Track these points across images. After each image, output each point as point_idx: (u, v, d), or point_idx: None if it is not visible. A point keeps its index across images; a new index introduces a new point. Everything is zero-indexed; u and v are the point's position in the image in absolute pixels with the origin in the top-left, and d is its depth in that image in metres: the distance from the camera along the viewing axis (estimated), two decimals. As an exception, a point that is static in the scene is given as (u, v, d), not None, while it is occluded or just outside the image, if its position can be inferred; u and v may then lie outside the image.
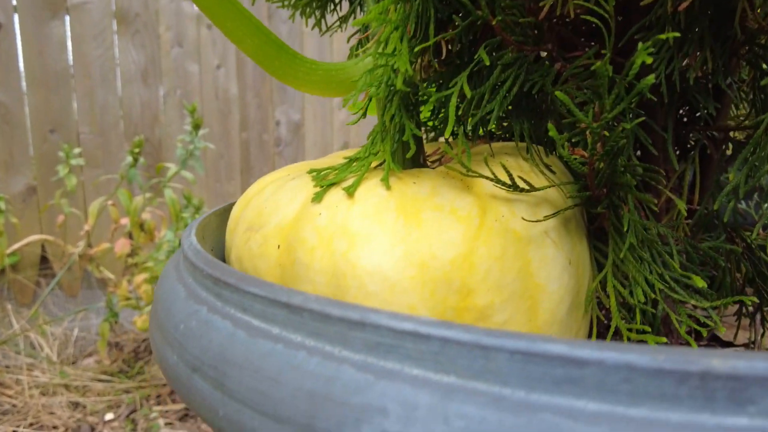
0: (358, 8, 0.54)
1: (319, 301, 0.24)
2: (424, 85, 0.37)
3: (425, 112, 0.44)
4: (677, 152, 0.45)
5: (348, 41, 0.53)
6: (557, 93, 0.27)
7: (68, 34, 1.86)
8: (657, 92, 0.40)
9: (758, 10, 0.35)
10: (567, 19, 0.40)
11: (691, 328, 0.49)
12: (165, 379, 1.72)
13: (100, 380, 1.70)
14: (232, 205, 0.52)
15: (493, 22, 0.31)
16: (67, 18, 1.87)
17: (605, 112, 0.28)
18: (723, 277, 0.39)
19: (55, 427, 1.46)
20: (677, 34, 0.28)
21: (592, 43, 0.42)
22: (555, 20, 0.38)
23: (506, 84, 0.35)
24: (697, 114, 0.43)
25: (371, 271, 0.32)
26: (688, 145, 0.46)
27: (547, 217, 0.35)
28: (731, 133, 0.44)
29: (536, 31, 0.37)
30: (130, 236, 1.73)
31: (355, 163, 0.38)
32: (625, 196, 0.34)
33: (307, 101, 2.41)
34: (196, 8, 2.08)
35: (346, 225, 0.34)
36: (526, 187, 0.34)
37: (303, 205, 0.37)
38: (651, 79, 0.27)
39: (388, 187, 0.35)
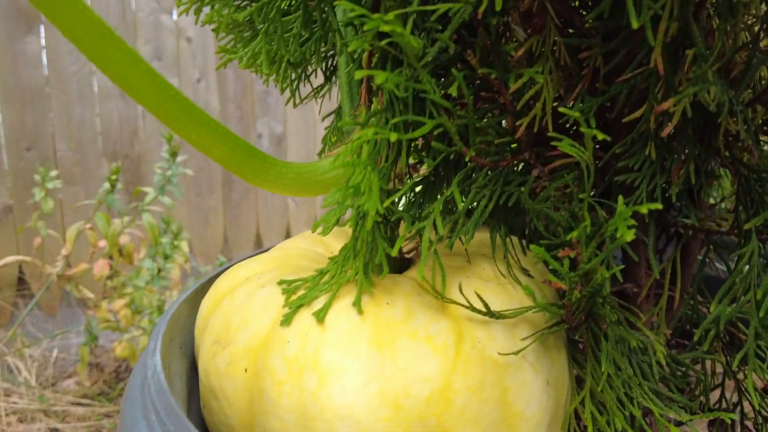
0: (333, 79, 0.52)
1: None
2: (398, 203, 0.35)
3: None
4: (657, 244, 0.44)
5: (322, 120, 0.52)
6: (532, 247, 0.26)
7: (43, 48, 1.82)
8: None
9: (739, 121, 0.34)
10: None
11: None
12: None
13: (80, 404, 1.67)
14: (203, 288, 0.50)
15: (467, 157, 0.30)
16: (42, 31, 1.82)
17: (582, 263, 0.27)
18: (704, 387, 0.39)
19: (33, 457, 1.44)
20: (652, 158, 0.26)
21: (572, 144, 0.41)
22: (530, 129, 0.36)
23: (481, 203, 0.33)
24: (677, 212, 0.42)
25: (342, 414, 0.31)
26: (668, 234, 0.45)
27: (524, 340, 0.34)
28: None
29: (513, 145, 0.35)
30: (110, 257, 1.71)
31: (326, 278, 0.36)
32: (602, 324, 0.33)
33: (290, 114, 2.38)
34: (175, 20, 2.04)
35: (316, 357, 0.32)
36: (503, 314, 0.33)
37: (272, 324, 0.35)
38: (630, 236, 0.26)
39: (360, 311, 0.34)
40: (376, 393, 0.31)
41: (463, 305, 0.33)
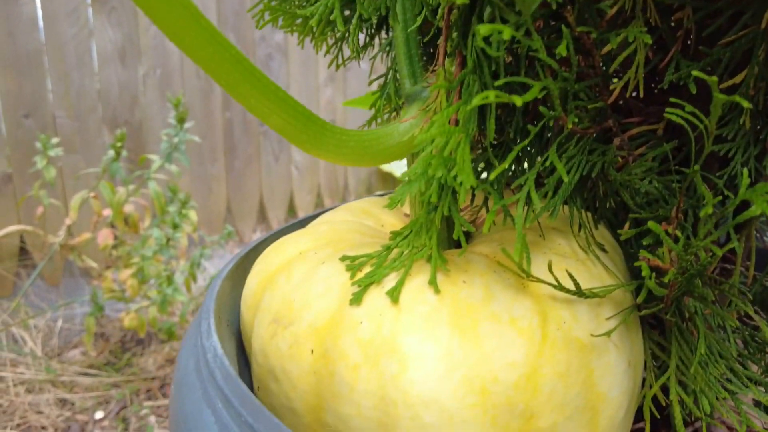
0: (382, 33, 0.49)
1: None
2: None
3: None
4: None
5: (369, 84, 0.49)
6: (625, 233, 0.24)
7: (39, 12, 1.75)
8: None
9: None
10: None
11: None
12: (154, 373, 1.69)
13: (87, 374, 1.66)
14: (243, 262, 0.48)
15: (569, 125, 0.27)
16: (37, -7, 1.75)
17: (696, 240, 0.25)
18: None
19: (43, 428, 1.43)
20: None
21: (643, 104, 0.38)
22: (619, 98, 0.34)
23: (570, 174, 0.31)
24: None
25: (427, 400, 0.29)
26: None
27: (609, 320, 0.32)
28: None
29: (599, 110, 0.33)
30: (113, 226, 1.67)
31: (394, 253, 0.34)
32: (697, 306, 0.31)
33: (292, 78, 2.33)
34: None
35: (394, 341, 0.30)
36: (593, 292, 0.31)
37: (339, 304, 0.33)
38: (756, 212, 0.24)
39: (437, 291, 0.31)
40: (462, 379, 0.29)
41: (550, 284, 0.31)
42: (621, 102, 0.39)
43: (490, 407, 0.29)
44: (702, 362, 0.32)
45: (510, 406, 0.29)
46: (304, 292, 0.35)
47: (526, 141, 0.26)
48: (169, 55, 2.00)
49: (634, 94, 0.40)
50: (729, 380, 0.35)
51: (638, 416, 0.48)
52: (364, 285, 0.33)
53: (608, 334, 0.31)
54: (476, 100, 0.22)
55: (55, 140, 1.49)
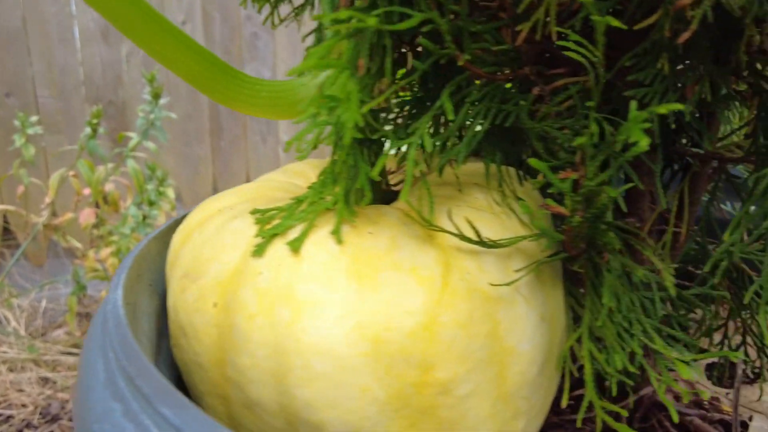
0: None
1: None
2: (385, 117, 0.32)
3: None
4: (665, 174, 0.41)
5: (303, 40, 0.47)
6: (531, 161, 0.23)
7: (19, -12, 1.73)
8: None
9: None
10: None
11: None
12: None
13: (70, 353, 1.66)
14: (174, 225, 0.47)
15: (461, 62, 0.26)
16: (18, -30, 1.73)
17: (587, 180, 0.24)
18: (710, 325, 0.36)
19: (24, 405, 1.43)
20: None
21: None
22: (532, 42, 0.33)
23: (475, 122, 0.30)
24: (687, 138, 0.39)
25: (318, 348, 0.28)
26: (676, 167, 0.42)
27: (518, 272, 0.31)
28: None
29: (511, 55, 0.32)
30: (96, 205, 1.67)
31: (303, 206, 0.33)
32: (604, 254, 0.30)
33: (279, 59, 2.31)
34: (158, -40, 1.95)
35: (290, 290, 0.29)
36: (495, 243, 0.30)
37: (243, 256, 0.32)
38: (643, 146, 0.23)
39: (340, 241, 0.31)
40: (354, 326, 0.28)
41: (452, 233, 0.30)
42: (548, 54, 0.38)
43: (384, 356, 0.28)
44: (613, 317, 0.31)
45: (405, 355, 0.29)
46: (212, 246, 0.34)
47: (414, 76, 0.25)
48: (154, 34, 1.98)
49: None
50: (654, 338, 0.35)
51: (580, 383, 0.48)
52: (268, 236, 0.32)
53: (510, 284, 0.30)
54: (345, 28, 0.21)
55: (34, 118, 1.48)
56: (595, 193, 0.25)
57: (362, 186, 0.31)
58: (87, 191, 1.56)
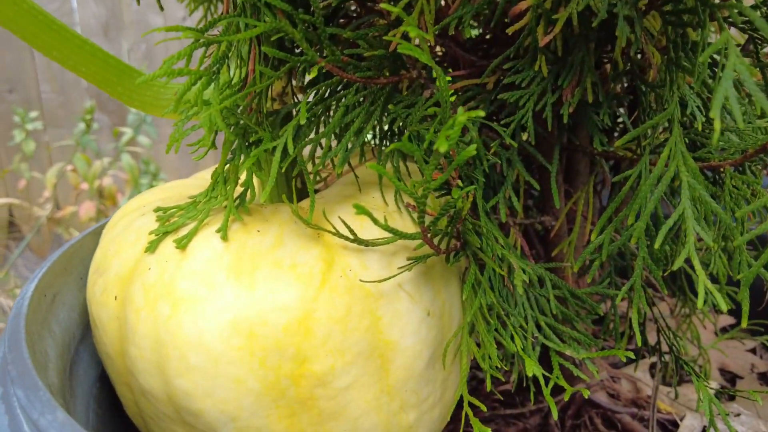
0: None
1: (61, 428, 0.21)
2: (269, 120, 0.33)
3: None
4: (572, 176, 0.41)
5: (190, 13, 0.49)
6: (369, 165, 0.24)
7: (21, -14, 1.77)
8: (543, 122, 0.37)
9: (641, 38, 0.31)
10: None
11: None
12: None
13: (71, 343, 1.71)
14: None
15: (321, 63, 0.27)
16: (20, -32, 1.76)
17: (425, 181, 0.25)
18: (607, 322, 0.37)
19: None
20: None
21: (476, 57, 0.38)
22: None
23: (354, 126, 0.31)
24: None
25: (193, 341, 0.29)
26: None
27: (400, 269, 0.32)
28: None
29: (393, 61, 0.33)
30: (99, 198, 1.70)
31: (199, 205, 0.35)
32: (476, 253, 0.31)
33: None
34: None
35: (171, 285, 0.31)
36: (371, 242, 0.31)
37: (140, 252, 0.34)
38: (471, 151, 0.24)
39: (225, 238, 0.32)
40: (229, 321, 0.30)
41: (330, 231, 0.31)
42: (446, 55, 0.39)
43: (258, 349, 0.30)
44: (483, 313, 0.32)
45: (279, 349, 0.30)
46: (118, 242, 0.36)
47: (267, 82, 0.26)
48: (153, 27, 2.00)
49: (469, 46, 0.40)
50: (548, 336, 0.35)
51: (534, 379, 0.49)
52: (161, 233, 0.33)
53: (388, 279, 0.31)
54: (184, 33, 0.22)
55: (33, 114, 1.51)
56: (440, 189, 0.26)
57: (247, 185, 0.32)
58: (84, 186, 1.60)
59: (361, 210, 0.24)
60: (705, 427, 0.50)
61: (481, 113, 0.21)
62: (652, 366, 0.61)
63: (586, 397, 0.43)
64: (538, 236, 0.46)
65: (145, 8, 1.97)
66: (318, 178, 0.43)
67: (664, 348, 0.53)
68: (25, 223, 1.90)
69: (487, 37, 0.38)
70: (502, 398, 0.53)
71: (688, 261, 0.62)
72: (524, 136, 0.36)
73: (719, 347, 0.61)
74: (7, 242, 1.92)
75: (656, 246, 0.24)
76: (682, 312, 0.54)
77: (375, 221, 0.27)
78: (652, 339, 0.58)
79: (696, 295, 0.56)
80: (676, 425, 0.51)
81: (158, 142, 1.93)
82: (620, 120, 0.46)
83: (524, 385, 0.52)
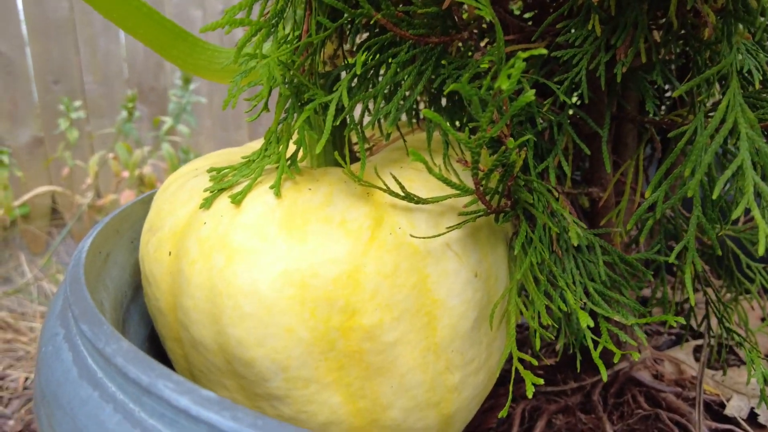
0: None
1: (126, 355, 0.22)
2: (320, 82, 0.34)
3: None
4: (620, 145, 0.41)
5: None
6: (425, 111, 0.24)
7: (67, -21, 1.82)
8: (596, 86, 0.36)
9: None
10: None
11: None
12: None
13: (110, 327, 1.75)
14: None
15: (376, 17, 0.28)
16: (66, -38, 1.82)
17: (481, 131, 0.25)
18: (655, 290, 0.37)
19: (64, 373, 1.52)
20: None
21: (529, 23, 0.38)
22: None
23: (405, 84, 0.31)
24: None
25: (247, 290, 0.30)
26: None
27: (449, 229, 0.33)
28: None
29: (444, 21, 0.33)
30: (140, 184, 1.74)
31: (254, 164, 0.35)
32: (529, 211, 0.31)
33: None
34: (197, -50, 2.01)
35: (226, 238, 0.32)
36: (422, 200, 0.32)
37: (195, 209, 0.35)
38: (529, 96, 0.24)
39: (278, 195, 0.33)
40: (281, 272, 0.30)
41: (380, 188, 0.32)
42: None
43: (309, 299, 0.30)
44: (534, 272, 0.32)
45: (329, 300, 0.30)
46: (171, 202, 0.37)
47: (324, 34, 0.27)
48: (193, 21, 2.04)
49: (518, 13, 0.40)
50: (595, 301, 0.35)
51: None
52: (216, 190, 0.34)
53: (436, 237, 0.31)
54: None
55: (77, 103, 1.56)
56: (492, 146, 0.26)
57: (300, 143, 0.33)
58: (125, 173, 1.64)
59: (417, 157, 0.25)
60: (753, 408, 0.49)
61: (543, 51, 0.21)
62: (696, 349, 0.60)
63: (636, 360, 0.43)
64: (583, 211, 0.45)
65: (186, 2, 2.00)
66: (366, 145, 0.43)
67: (712, 329, 0.52)
68: (67, 210, 1.96)
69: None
70: (544, 375, 0.53)
71: (734, 240, 0.61)
72: (574, 100, 0.36)
73: (766, 331, 0.59)
74: (49, 229, 1.98)
75: (714, 196, 0.24)
76: (731, 293, 0.53)
77: (430, 170, 0.27)
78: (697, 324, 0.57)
79: (744, 276, 0.55)
80: (722, 406, 0.50)
81: (197, 133, 1.97)
82: (668, 93, 0.45)
83: (570, 352, 0.51)
